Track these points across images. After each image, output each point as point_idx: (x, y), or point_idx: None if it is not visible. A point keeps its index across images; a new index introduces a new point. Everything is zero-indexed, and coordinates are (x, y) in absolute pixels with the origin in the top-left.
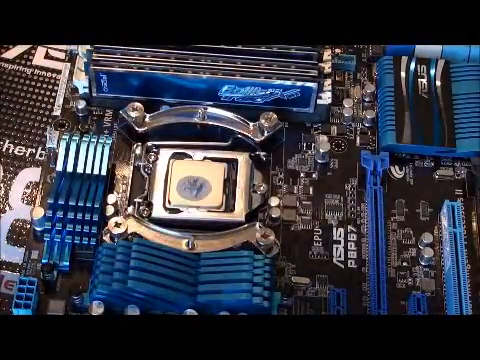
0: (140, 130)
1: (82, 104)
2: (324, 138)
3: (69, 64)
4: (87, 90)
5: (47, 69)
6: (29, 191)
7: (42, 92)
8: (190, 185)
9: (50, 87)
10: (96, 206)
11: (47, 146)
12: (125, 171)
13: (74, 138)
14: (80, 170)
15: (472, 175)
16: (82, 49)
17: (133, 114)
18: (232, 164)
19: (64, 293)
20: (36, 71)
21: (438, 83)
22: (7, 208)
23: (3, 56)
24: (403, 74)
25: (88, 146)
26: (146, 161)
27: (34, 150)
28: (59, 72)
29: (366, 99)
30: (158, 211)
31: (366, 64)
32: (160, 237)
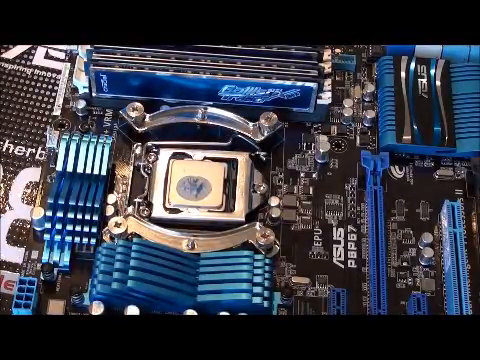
0: (140, 130)
1: (82, 104)
2: (324, 138)
3: (69, 64)
4: (87, 90)
5: (47, 69)
6: (29, 191)
7: (42, 92)
8: (190, 185)
9: (50, 87)
10: (96, 206)
11: (47, 146)
12: (125, 171)
13: (74, 138)
14: (80, 170)
15: (472, 175)
16: (82, 49)
17: (133, 114)
18: (232, 164)
19: (64, 293)
20: (36, 71)
21: (438, 83)
22: (7, 208)
23: (3, 56)
24: (403, 74)
25: (88, 146)
26: (146, 161)
27: (34, 150)
28: (59, 72)
29: (366, 99)
30: (158, 211)
31: (366, 64)
32: (160, 237)
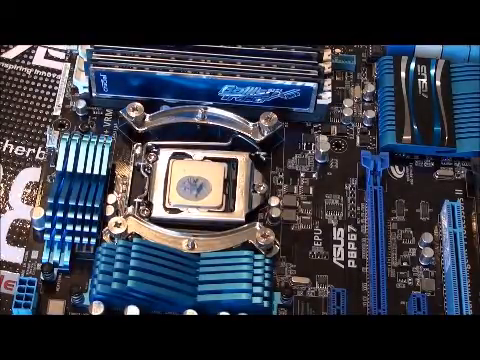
0: (140, 130)
1: (82, 104)
2: (324, 138)
3: (69, 64)
4: (87, 90)
5: (47, 69)
6: (29, 191)
7: (42, 92)
8: (190, 185)
9: (50, 87)
10: (96, 206)
11: (47, 146)
12: (125, 171)
13: (74, 138)
14: (80, 170)
15: (472, 175)
16: (82, 49)
17: (133, 114)
18: (232, 164)
19: (64, 293)
20: (36, 71)
21: (438, 83)
22: (7, 208)
23: (3, 56)
24: (403, 74)
25: (88, 146)
26: (146, 161)
27: (34, 150)
28: (59, 72)
29: (366, 99)
30: (158, 211)
31: (366, 64)
32: (160, 237)
